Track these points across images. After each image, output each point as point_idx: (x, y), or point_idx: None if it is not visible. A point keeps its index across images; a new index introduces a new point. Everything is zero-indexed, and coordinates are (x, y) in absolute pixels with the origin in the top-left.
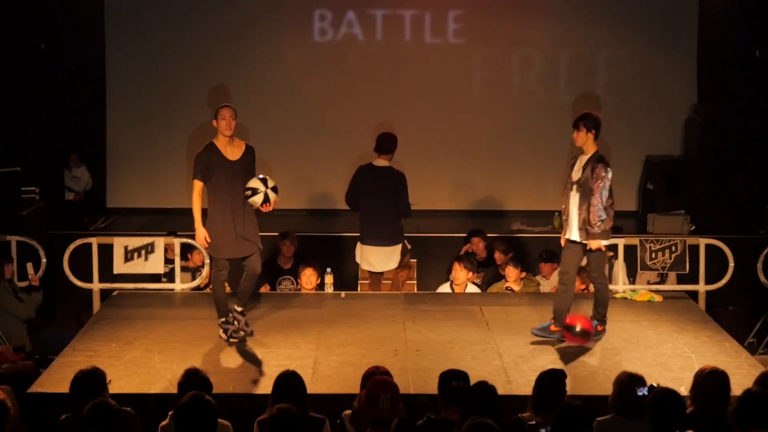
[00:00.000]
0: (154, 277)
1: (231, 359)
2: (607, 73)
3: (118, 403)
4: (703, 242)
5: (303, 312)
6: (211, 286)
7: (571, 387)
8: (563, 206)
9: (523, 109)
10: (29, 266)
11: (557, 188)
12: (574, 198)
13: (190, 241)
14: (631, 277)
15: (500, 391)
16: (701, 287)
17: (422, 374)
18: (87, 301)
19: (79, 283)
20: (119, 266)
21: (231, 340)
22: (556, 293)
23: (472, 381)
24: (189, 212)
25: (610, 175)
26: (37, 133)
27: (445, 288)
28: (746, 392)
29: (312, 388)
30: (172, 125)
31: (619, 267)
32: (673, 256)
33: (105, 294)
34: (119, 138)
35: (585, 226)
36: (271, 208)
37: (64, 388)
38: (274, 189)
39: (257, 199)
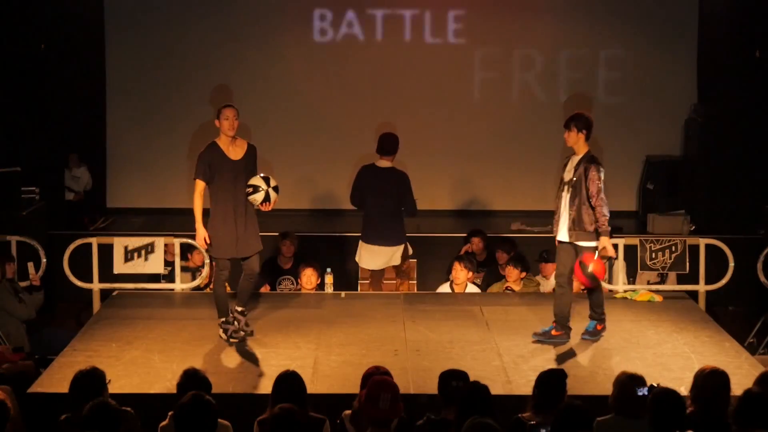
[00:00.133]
0: (153, 277)
1: (231, 359)
2: (607, 73)
3: (118, 403)
4: (703, 242)
5: (303, 312)
6: (211, 286)
7: (571, 387)
8: (556, 206)
9: (523, 108)
10: (30, 266)
11: (557, 188)
12: (565, 199)
13: (190, 241)
14: (631, 277)
15: (500, 391)
16: (701, 287)
17: (422, 374)
18: (87, 301)
19: (79, 283)
20: (119, 266)
21: (231, 340)
22: (554, 296)
23: (473, 381)
24: (189, 212)
25: (602, 174)
26: (37, 133)
27: (445, 288)
28: (746, 392)
29: (312, 388)
30: (172, 125)
31: (619, 267)
32: (673, 256)
33: (105, 294)
34: (119, 138)
35: (575, 227)
36: (270, 208)
37: (64, 388)
38: (275, 189)
39: (258, 197)
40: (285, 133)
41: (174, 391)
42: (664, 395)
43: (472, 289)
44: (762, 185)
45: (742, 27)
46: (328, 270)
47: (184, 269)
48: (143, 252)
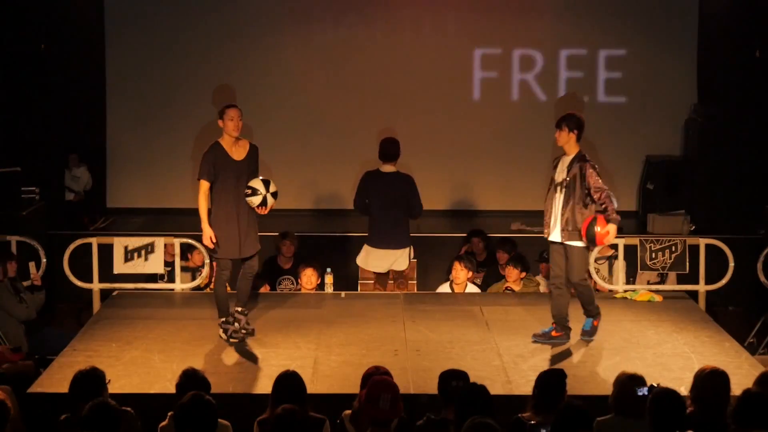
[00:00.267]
0: (150, 277)
1: (231, 359)
2: (607, 73)
3: (118, 403)
4: (703, 242)
5: (303, 312)
6: (211, 286)
7: (571, 387)
8: (545, 208)
9: (523, 108)
10: (32, 265)
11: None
12: (558, 199)
13: (190, 241)
14: (631, 277)
15: (500, 391)
16: (701, 287)
17: (422, 374)
18: (87, 301)
19: (79, 283)
20: (119, 266)
21: (231, 340)
22: (552, 298)
23: (472, 381)
24: (189, 212)
25: (597, 170)
26: (37, 133)
27: (445, 288)
28: (745, 392)
29: (312, 388)
30: (172, 125)
31: (619, 267)
32: (673, 256)
33: (105, 294)
34: (119, 138)
35: (567, 227)
36: (266, 212)
37: (64, 388)
38: (274, 194)
39: (255, 200)
40: (285, 133)
41: (174, 391)
42: (664, 395)
43: (472, 289)
44: (762, 185)
45: (742, 27)
46: (328, 270)
47: (184, 269)
48: (143, 252)
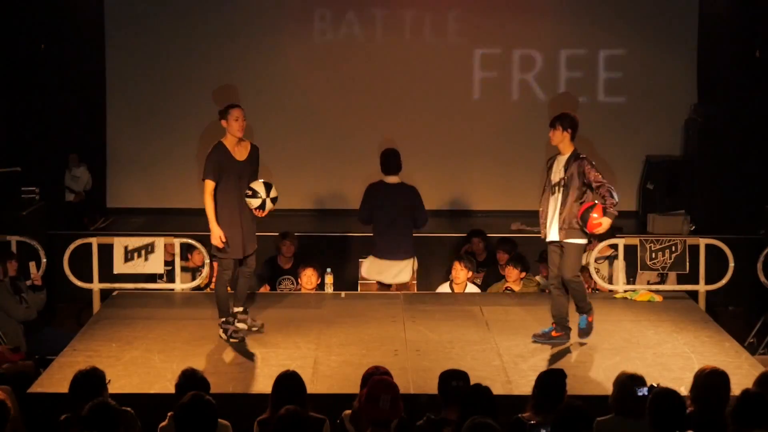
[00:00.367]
0: (150, 277)
1: (231, 359)
2: (607, 73)
3: (118, 403)
4: (703, 242)
5: (303, 312)
6: (211, 286)
7: (571, 387)
8: (541, 209)
9: (523, 108)
10: (32, 265)
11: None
12: (554, 199)
13: (190, 241)
14: (631, 277)
15: (500, 391)
16: (701, 287)
17: (422, 374)
18: (87, 301)
19: (79, 283)
20: (119, 266)
21: (231, 340)
22: (551, 298)
23: (472, 381)
24: (189, 212)
25: (594, 165)
26: (37, 133)
27: (444, 288)
28: (744, 392)
29: (312, 388)
30: (172, 125)
31: (619, 267)
32: (673, 256)
33: (105, 294)
34: (119, 138)
35: (565, 225)
36: (264, 215)
37: (64, 388)
38: (274, 200)
39: (254, 202)
40: (285, 133)
41: (173, 391)
42: (664, 395)
43: (472, 289)
44: (762, 185)
45: (742, 27)
46: (328, 270)
47: (184, 269)
48: (143, 252)
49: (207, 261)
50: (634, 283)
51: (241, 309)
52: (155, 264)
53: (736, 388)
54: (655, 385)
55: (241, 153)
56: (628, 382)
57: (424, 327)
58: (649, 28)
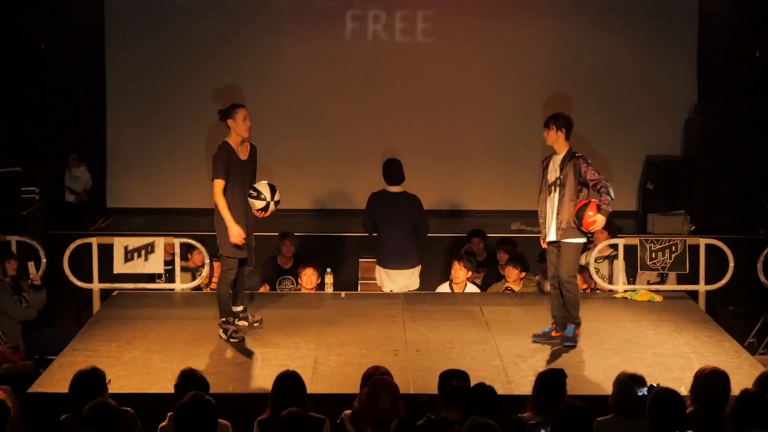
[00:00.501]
0: (149, 277)
1: (231, 359)
2: (608, 74)
3: (118, 403)
4: (703, 242)
5: (303, 312)
6: (211, 286)
7: (571, 387)
8: (539, 209)
9: (523, 108)
10: (31, 265)
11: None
12: (551, 199)
13: (190, 241)
14: (631, 277)
15: (500, 391)
16: (701, 287)
17: (422, 374)
18: (87, 301)
19: (79, 283)
20: (119, 266)
21: (231, 340)
22: (551, 298)
23: (472, 381)
24: (189, 212)
25: (590, 163)
26: (37, 133)
27: (444, 288)
28: (743, 392)
29: (312, 388)
30: (172, 125)
31: (619, 267)
32: (673, 256)
33: (105, 294)
34: (119, 138)
35: (562, 225)
36: (264, 216)
37: (64, 388)
38: (277, 203)
39: (258, 204)
40: (285, 133)
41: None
42: (664, 395)
43: (472, 289)
44: (762, 185)
45: (742, 27)
46: (328, 270)
47: (184, 269)
48: (143, 252)
49: (207, 261)
50: (634, 283)
51: (241, 308)
52: (155, 264)
53: (736, 388)
54: (655, 385)
55: (244, 152)
56: (628, 382)
57: (424, 327)
58: (649, 28)
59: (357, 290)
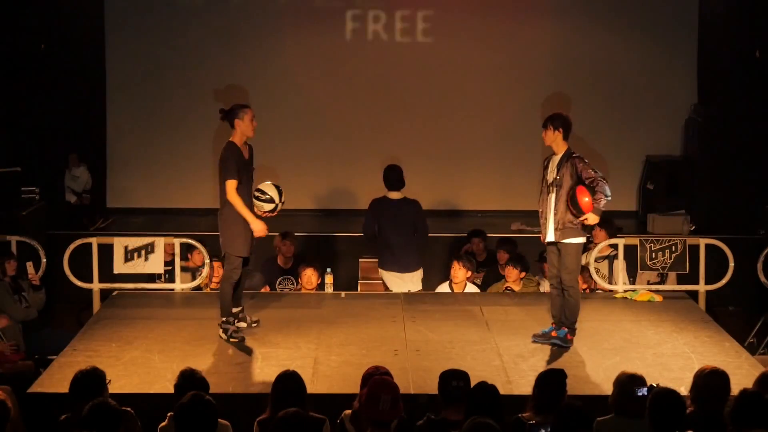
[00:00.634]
0: (149, 277)
1: (231, 359)
2: (608, 74)
3: (118, 403)
4: (703, 242)
5: (303, 312)
6: (211, 286)
7: (571, 387)
8: (540, 209)
9: (523, 108)
10: (29, 265)
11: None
12: (550, 200)
13: (190, 241)
14: (631, 277)
15: (500, 391)
16: (701, 287)
17: (422, 374)
18: (87, 301)
19: (79, 283)
20: (119, 266)
21: (231, 340)
22: (551, 298)
23: (473, 381)
24: (189, 212)
25: (587, 161)
26: (37, 133)
27: (444, 287)
28: (743, 392)
29: (312, 388)
30: (172, 125)
31: (619, 267)
32: (673, 256)
33: (105, 294)
34: (119, 138)
35: (560, 226)
36: (271, 216)
37: (64, 388)
38: (283, 204)
39: (266, 207)
40: (285, 133)
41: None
42: (664, 395)
43: (471, 289)
44: (762, 185)
45: (742, 27)
46: (328, 270)
47: (184, 269)
48: (143, 252)
49: (207, 261)
50: (634, 283)
51: (240, 308)
52: (155, 264)
53: (736, 388)
54: (655, 385)
55: (246, 152)
56: (628, 382)
57: (424, 327)
58: (649, 28)
59: (357, 290)
